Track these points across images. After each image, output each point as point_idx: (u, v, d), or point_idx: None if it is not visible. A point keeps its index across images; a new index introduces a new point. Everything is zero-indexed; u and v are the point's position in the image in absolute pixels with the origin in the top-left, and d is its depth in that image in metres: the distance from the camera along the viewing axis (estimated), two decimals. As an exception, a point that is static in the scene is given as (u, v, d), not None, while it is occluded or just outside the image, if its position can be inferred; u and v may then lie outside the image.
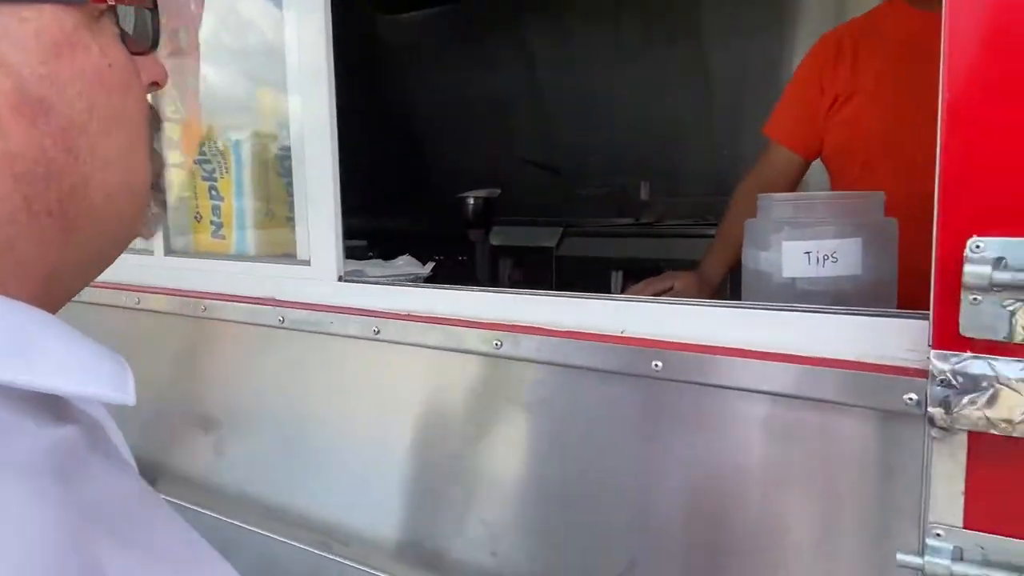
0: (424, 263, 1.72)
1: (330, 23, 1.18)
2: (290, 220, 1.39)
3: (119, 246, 0.46)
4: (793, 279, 0.92)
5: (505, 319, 1.03)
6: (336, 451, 1.22)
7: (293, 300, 1.24)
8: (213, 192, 1.44)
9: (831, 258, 0.89)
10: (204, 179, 1.44)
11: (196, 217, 1.47)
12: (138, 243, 1.56)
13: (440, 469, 1.12)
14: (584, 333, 0.96)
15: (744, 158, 3.09)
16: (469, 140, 3.67)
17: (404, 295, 1.14)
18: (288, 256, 1.37)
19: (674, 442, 0.91)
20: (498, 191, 3.30)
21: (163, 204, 0.50)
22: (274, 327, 1.24)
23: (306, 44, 1.20)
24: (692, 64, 3.21)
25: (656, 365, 0.88)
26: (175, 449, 1.47)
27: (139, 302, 1.42)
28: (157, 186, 0.49)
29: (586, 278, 2.98)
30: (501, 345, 1.01)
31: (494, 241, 3.27)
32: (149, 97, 0.47)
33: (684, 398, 0.89)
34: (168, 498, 1.45)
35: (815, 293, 0.91)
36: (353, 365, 1.19)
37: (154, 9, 0.44)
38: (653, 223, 3.04)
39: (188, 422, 1.43)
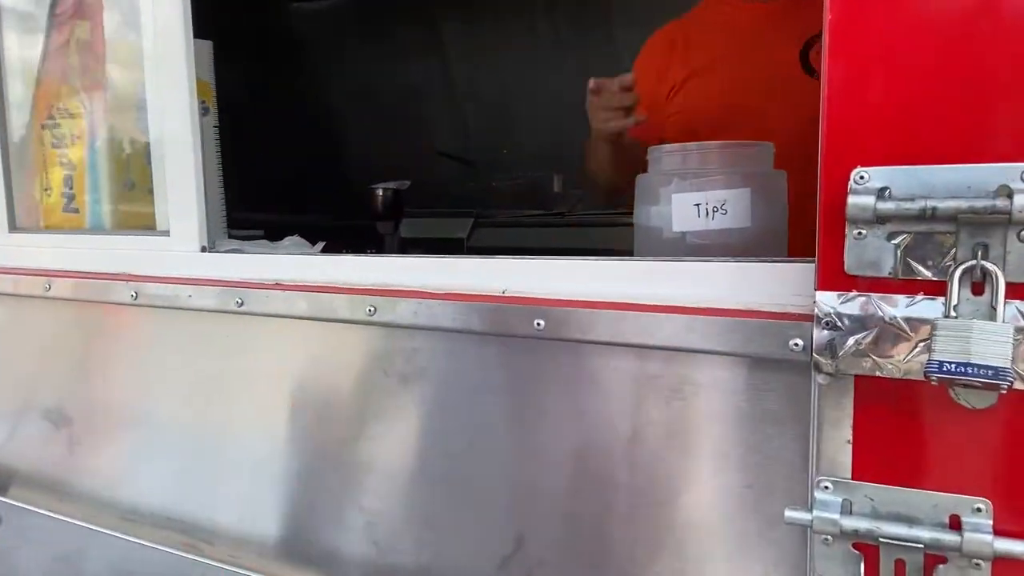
0: (314, 244, 1.61)
1: None
2: (152, 193, 1.26)
3: None
4: (683, 233, 0.87)
5: (379, 283, 0.94)
6: (196, 440, 1.10)
7: (148, 274, 1.11)
8: (64, 161, 1.29)
9: (720, 210, 0.85)
10: (54, 146, 1.29)
11: (46, 191, 1.32)
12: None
13: (313, 453, 1.02)
14: (463, 295, 0.88)
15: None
16: (380, 132, 3.56)
17: (271, 263, 1.04)
18: (150, 228, 1.24)
19: (559, 406, 0.84)
20: (408, 183, 3.20)
21: None
22: (126, 304, 1.11)
23: (161, 9, 1.08)
24: (603, 55, 3.20)
25: (538, 324, 0.82)
26: (24, 449, 1.31)
27: (-26, 283, 1.26)
28: None
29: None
30: (375, 311, 0.92)
31: (404, 233, 3.16)
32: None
33: (567, 358, 0.82)
34: (20, 504, 1.30)
35: (705, 247, 0.86)
36: (215, 342, 1.08)
37: None
38: (564, 213, 3.00)
39: (37, 418, 1.27)
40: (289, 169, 3.26)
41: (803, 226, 0.91)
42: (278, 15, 3.70)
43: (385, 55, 3.53)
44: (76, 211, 1.28)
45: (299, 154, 3.50)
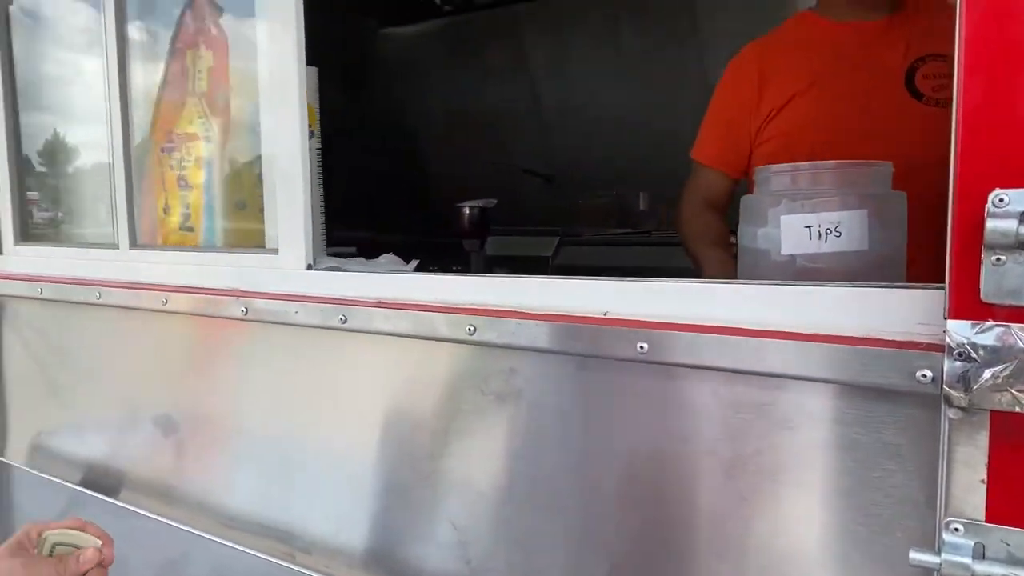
0: (408, 262, 1.65)
1: (302, 29, 1.11)
2: (263, 212, 1.32)
3: None
4: (793, 256, 0.84)
5: (480, 303, 0.95)
6: (297, 452, 1.14)
7: (258, 290, 1.16)
8: (182, 182, 1.37)
9: (834, 232, 0.81)
10: (172, 168, 1.37)
11: (165, 209, 1.40)
12: (102, 237, 1.49)
13: (409, 469, 1.04)
14: (564, 315, 0.88)
15: None
16: (466, 151, 3.63)
17: (374, 282, 1.06)
18: (258, 246, 1.29)
19: (659, 432, 0.82)
20: (494, 201, 3.25)
21: None
22: (238, 319, 1.16)
23: (277, 45, 1.14)
24: (691, 73, 3.16)
25: (641, 347, 0.80)
26: (135, 454, 1.39)
27: (100, 296, 1.34)
28: None
29: (583, 288, 2.90)
30: (475, 330, 0.93)
31: (490, 251, 3.20)
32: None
33: (673, 382, 0.80)
34: (127, 506, 1.37)
35: (816, 271, 0.83)
36: (319, 357, 1.11)
37: None
38: (651, 232, 2.96)
39: (149, 425, 1.34)
40: (377, 187, 3.35)
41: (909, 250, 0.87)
42: (368, 39, 3.84)
43: (472, 76, 3.60)
44: (191, 229, 1.35)
45: (386, 172, 3.61)
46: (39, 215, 1.68)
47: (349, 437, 1.09)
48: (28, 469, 1.58)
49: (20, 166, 1.61)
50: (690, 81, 3.13)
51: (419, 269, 1.56)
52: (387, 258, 1.68)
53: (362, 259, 1.59)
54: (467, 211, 3.21)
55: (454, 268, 3.15)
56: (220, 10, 1.39)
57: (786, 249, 0.84)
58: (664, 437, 0.83)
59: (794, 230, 0.83)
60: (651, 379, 0.83)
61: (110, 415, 1.43)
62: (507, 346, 0.91)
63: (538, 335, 0.88)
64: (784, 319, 0.74)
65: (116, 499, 1.40)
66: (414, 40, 3.81)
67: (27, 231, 1.61)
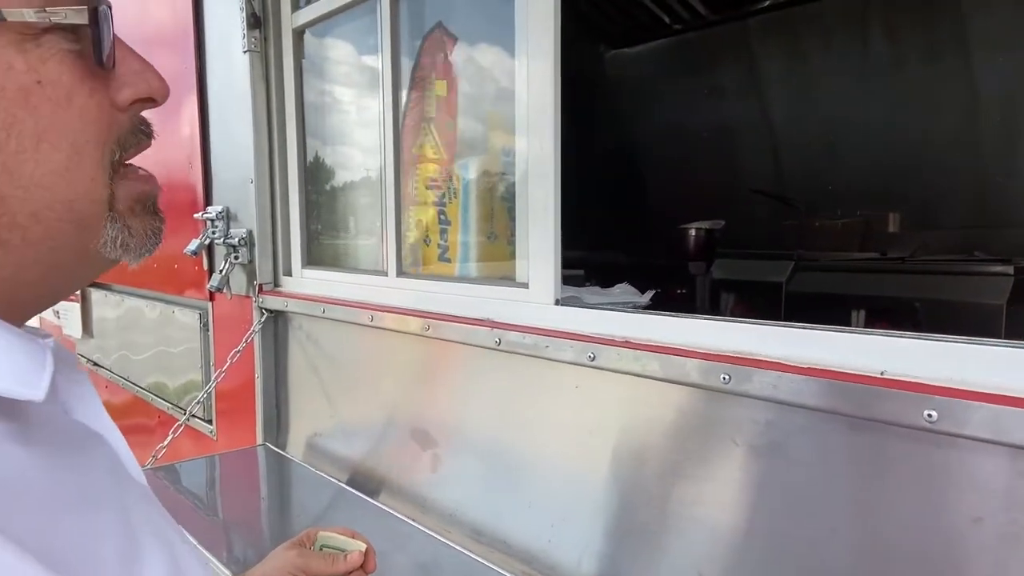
0: (643, 292, 1.65)
1: (559, 67, 1.17)
2: (510, 243, 1.40)
3: (75, 267, 0.44)
4: None
5: (734, 350, 0.92)
6: (543, 479, 1.18)
7: (509, 322, 1.23)
8: (442, 216, 1.49)
9: None
10: (435, 204, 1.51)
11: (426, 240, 1.54)
12: (375, 265, 1.67)
13: (652, 510, 1.03)
14: (833, 371, 0.82)
15: (1017, 186, 2.64)
16: (693, 171, 3.56)
17: (622, 321, 1.08)
18: (507, 278, 1.38)
19: (938, 511, 0.74)
20: (722, 223, 3.15)
21: (147, 236, 0.45)
22: (490, 348, 1.24)
23: (535, 79, 1.20)
24: (956, 81, 2.82)
25: (929, 415, 0.73)
26: (393, 462, 1.53)
27: (372, 319, 1.51)
28: (145, 207, 0.45)
29: (821, 317, 2.70)
30: (729, 379, 0.90)
31: (716, 274, 3.10)
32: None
33: (968, 459, 0.72)
34: (387, 508, 1.51)
35: None
36: (567, 391, 1.15)
37: (97, 25, 0.40)
38: (904, 258, 2.68)
39: (406, 437, 1.48)
40: (600, 207, 3.39)
41: None
42: (592, 61, 3.91)
43: (699, 93, 3.52)
44: (448, 260, 1.48)
45: (610, 192, 3.64)
46: (320, 240, 1.93)
47: (593, 471, 1.11)
48: (303, 464, 1.81)
49: (308, 196, 1.86)
50: (954, 90, 2.80)
51: (652, 299, 1.57)
52: (622, 288, 1.70)
53: (598, 287, 1.63)
54: (693, 232, 3.14)
55: (679, 291, 3.10)
56: (455, 39, 1.50)
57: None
58: (956, 523, 0.74)
59: None
60: (937, 450, 0.75)
61: (374, 424, 1.60)
62: (765, 399, 0.88)
63: (802, 391, 0.84)
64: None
65: (376, 500, 1.56)
66: (641, 60, 3.82)
67: (312, 256, 1.86)
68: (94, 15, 0.40)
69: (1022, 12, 2.57)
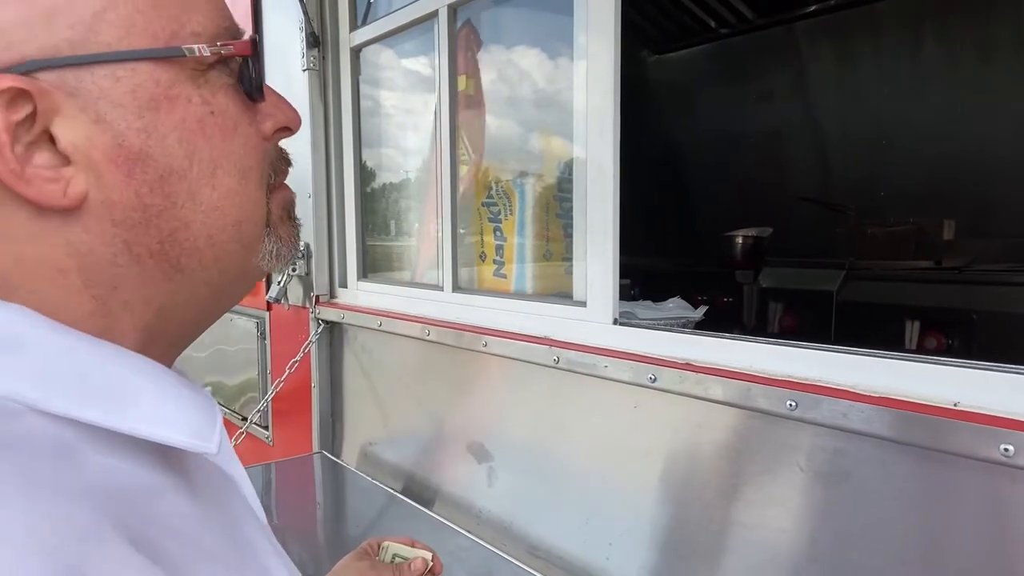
0: (695, 306, 1.65)
1: (619, 74, 1.18)
2: (566, 260, 1.41)
3: (235, 287, 0.46)
4: None
5: (801, 376, 0.92)
6: (600, 498, 1.19)
7: (567, 340, 1.25)
8: (497, 232, 1.51)
9: None
10: (490, 220, 1.53)
11: (481, 256, 1.56)
12: (429, 279, 1.70)
13: (711, 532, 1.04)
14: (904, 402, 0.82)
15: None
16: (739, 177, 3.53)
17: (683, 342, 1.08)
18: (562, 295, 1.39)
19: (1015, 549, 0.73)
20: (770, 230, 3.11)
21: (293, 241, 0.49)
22: (548, 366, 1.25)
23: (594, 93, 1.21)
24: (1011, 83, 2.75)
25: (1005, 450, 0.72)
26: (450, 474, 1.56)
27: (429, 333, 1.53)
28: (289, 213, 0.49)
29: (873, 327, 2.67)
30: (796, 407, 0.90)
31: (764, 283, 3.07)
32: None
33: (1046, 495, 0.71)
34: (442, 519, 1.54)
35: None
36: (626, 410, 1.16)
37: (255, 59, 0.44)
38: (961, 268, 2.62)
39: (462, 450, 1.50)
40: (646, 213, 3.37)
41: None
42: (637, 67, 3.89)
43: (745, 98, 3.48)
44: (504, 276, 1.50)
45: (656, 198, 3.62)
46: (374, 252, 1.97)
47: (651, 491, 1.12)
48: (358, 471, 1.85)
49: (364, 209, 1.90)
50: (1010, 93, 2.72)
51: (705, 314, 1.56)
52: (675, 302, 1.70)
53: (650, 302, 1.63)
54: (740, 240, 3.10)
55: (726, 299, 3.07)
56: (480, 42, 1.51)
57: None
58: (1022, 552, 0.73)
59: None
60: (1012, 485, 0.74)
61: (429, 435, 1.63)
62: (834, 427, 0.88)
63: (873, 420, 0.83)
64: None
65: (430, 510, 1.58)
66: (687, 64, 3.79)
67: (367, 268, 1.90)
68: (255, 47, 0.44)
69: None
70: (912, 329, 2.57)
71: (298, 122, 0.49)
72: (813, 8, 3.31)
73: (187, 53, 0.41)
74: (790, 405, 0.91)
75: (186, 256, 0.42)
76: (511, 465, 1.41)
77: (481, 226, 1.55)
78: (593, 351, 1.19)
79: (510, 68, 1.51)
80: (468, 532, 1.46)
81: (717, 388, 1.00)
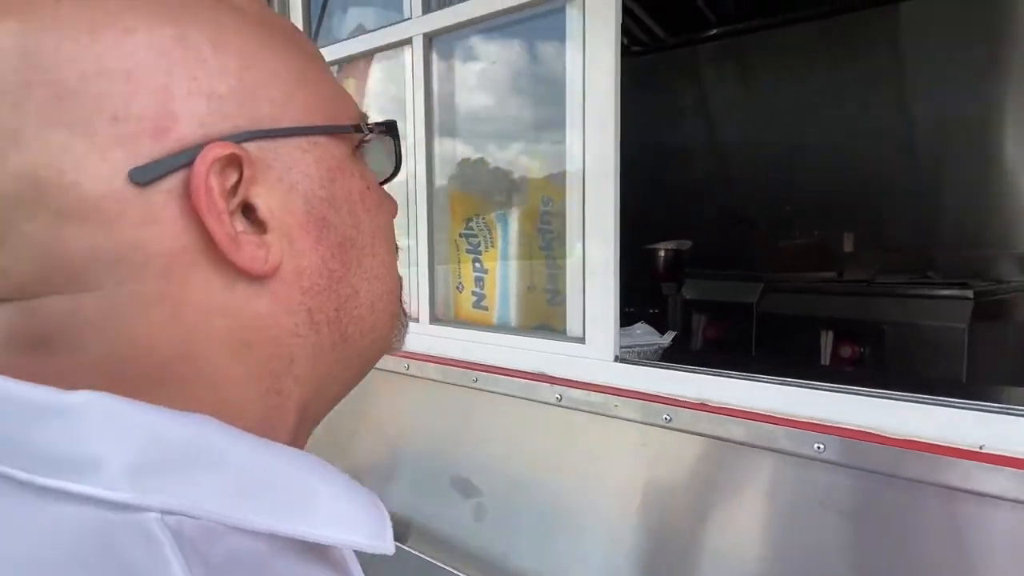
0: (662, 332, 1.69)
1: (619, 113, 1.19)
2: (548, 292, 1.41)
3: (374, 360, 0.48)
4: None
5: (825, 419, 0.96)
6: (608, 541, 1.20)
7: (566, 377, 1.24)
8: (477, 264, 1.48)
9: None
10: (468, 252, 1.50)
11: (458, 287, 1.52)
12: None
13: (726, 570, 1.06)
14: (930, 445, 0.87)
15: (948, 210, 2.85)
16: (661, 191, 3.65)
17: (692, 382, 1.11)
18: (547, 329, 1.38)
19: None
20: (689, 243, 3.23)
21: (406, 319, 0.51)
22: (550, 404, 1.24)
23: (594, 149, 1.22)
24: (893, 108, 3.03)
25: (1036, 492, 0.79)
26: (428, 507, 1.51)
27: (408, 368, 1.48)
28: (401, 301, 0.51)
29: (792, 339, 2.84)
30: (824, 449, 0.94)
31: (687, 295, 3.19)
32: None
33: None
34: (425, 557, 1.49)
35: None
36: (634, 450, 1.17)
37: (395, 140, 0.47)
38: (869, 281, 2.83)
39: (447, 485, 1.46)
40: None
41: None
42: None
43: (661, 114, 3.61)
44: (485, 309, 1.47)
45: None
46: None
47: (665, 530, 1.14)
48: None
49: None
50: (891, 117, 2.99)
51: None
52: (642, 328, 1.74)
53: (622, 329, 1.65)
54: (661, 253, 3.21)
55: (652, 311, 3.17)
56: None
57: None
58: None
59: None
60: (1035, 520, 0.81)
61: (414, 472, 1.57)
62: (861, 469, 0.92)
63: (900, 463, 0.88)
64: None
65: (406, 544, 1.53)
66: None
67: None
68: (395, 130, 0.47)
69: (951, 45, 2.78)
70: (827, 339, 2.75)
71: (396, 208, 0.51)
72: (714, 32, 3.50)
73: (359, 131, 0.44)
74: (818, 448, 0.95)
75: (353, 324, 0.44)
76: (499, 500, 1.39)
77: (458, 256, 1.52)
78: (597, 389, 1.19)
79: (489, 95, 1.49)
80: (454, 568, 1.42)
81: (739, 429, 1.03)
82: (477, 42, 1.46)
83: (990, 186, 2.84)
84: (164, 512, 0.34)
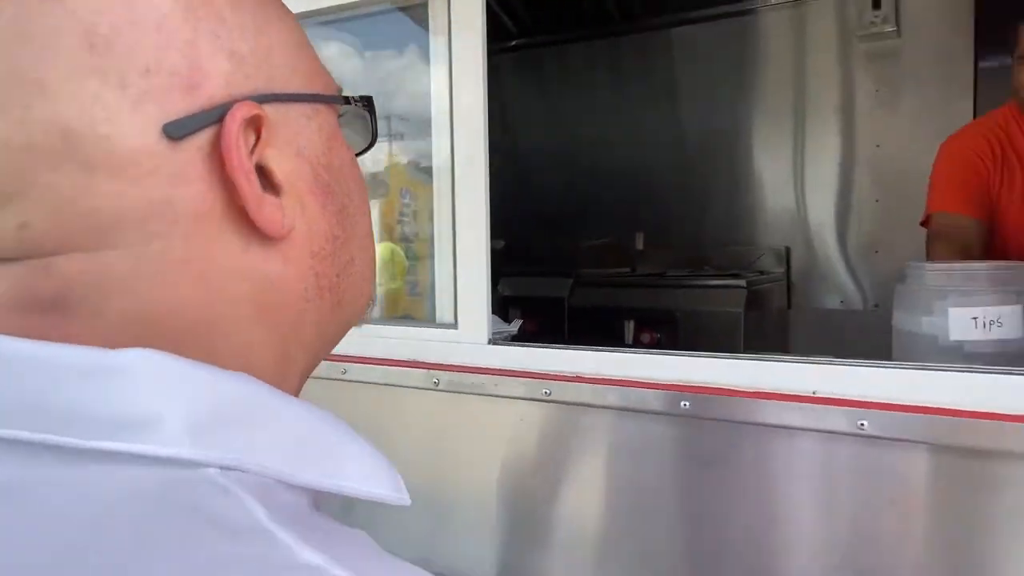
0: (508, 321, 1.77)
1: (487, 104, 1.24)
2: (408, 284, 1.43)
3: (347, 329, 0.50)
4: (960, 342, 1.03)
5: (687, 380, 1.10)
6: (493, 516, 1.24)
7: (442, 363, 1.27)
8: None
9: (996, 323, 1.01)
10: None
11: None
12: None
13: (633, 546, 1.15)
14: (771, 393, 1.04)
15: (716, 212, 3.31)
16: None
17: (569, 357, 1.19)
18: (410, 318, 1.40)
19: (880, 509, 0.98)
20: (501, 242, 3.38)
21: (375, 292, 0.53)
22: (427, 389, 1.26)
23: (463, 127, 1.26)
24: (667, 120, 3.48)
25: (861, 424, 0.97)
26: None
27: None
28: None
29: (600, 328, 3.10)
30: (689, 406, 1.07)
31: (504, 291, 3.33)
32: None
33: (887, 459, 0.97)
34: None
35: (981, 354, 1.02)
36: (515, 425, 1.23)
37: (372, 115, 0.49)
38: (661, 274, 3.18)
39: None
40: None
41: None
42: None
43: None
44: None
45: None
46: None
47: (550, 497, 1.21)
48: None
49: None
50: (665, 129, 3.43)
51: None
52: (493, 318, 1.81)
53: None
54: (475, 253, 3.33)
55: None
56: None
57: (955, 336, 1.04)
58: (883, 517, 0.99)
59: (962, 320, 1.03)
60: (863, 450, 1.00)
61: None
62: (715, 419, 1.06)
63: (751, 412, 1.04)
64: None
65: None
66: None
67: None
68: (372, 105, 0.48)
69: (711, 67, 3.26)
70: (630, 327, 3.04)
71: None
72: (514, 43, 3.72)
73: (352, 103, 0.46)
74: (684, 405, 1.08)
75: (348, 291, 0.44)
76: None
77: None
78: (474, 371, 1.24)
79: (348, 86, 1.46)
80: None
81: (613, 396, 1.13)
82: (332, 32, 1.44)
83: (746, 191, 3.34)
84: (223, 468, 0.33)
